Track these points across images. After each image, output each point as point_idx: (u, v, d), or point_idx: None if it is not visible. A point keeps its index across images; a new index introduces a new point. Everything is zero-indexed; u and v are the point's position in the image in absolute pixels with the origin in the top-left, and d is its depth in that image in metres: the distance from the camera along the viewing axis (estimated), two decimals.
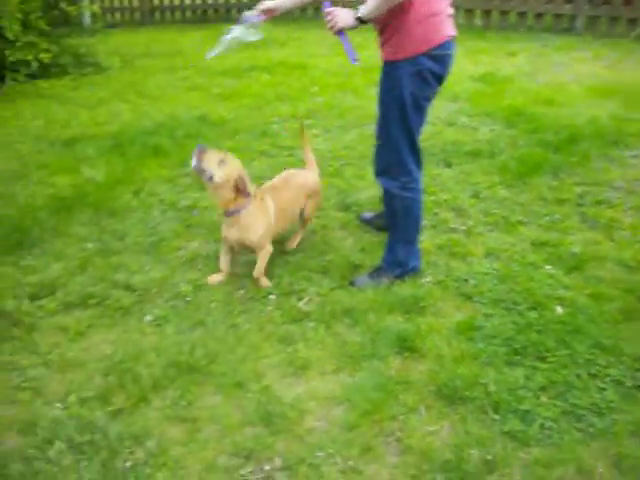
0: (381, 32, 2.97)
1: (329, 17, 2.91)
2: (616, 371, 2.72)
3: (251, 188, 3.24)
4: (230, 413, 2.55)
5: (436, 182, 4.26)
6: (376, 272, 3.29)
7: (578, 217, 3.89)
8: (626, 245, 3.59)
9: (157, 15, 11.34)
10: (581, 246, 3.56)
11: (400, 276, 3.25)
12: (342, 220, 3.90)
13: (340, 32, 2.94)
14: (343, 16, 2.90)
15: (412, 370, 2.73)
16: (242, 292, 3.29)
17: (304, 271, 3.38)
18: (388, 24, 2.88)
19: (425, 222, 3.79)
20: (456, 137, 4.90)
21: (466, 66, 6.77)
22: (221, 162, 3.11)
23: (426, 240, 3.63)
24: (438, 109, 5.47)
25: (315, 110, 5.61)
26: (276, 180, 3.57)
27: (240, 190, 3.16)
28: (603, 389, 2.64)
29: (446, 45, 2.91)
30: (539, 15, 8.69)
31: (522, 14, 8.72)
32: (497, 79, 6.28)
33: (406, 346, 2.84)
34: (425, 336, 2.88)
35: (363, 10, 2.84)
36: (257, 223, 3.27)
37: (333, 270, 3.38)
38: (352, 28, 2.92)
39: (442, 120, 5.27)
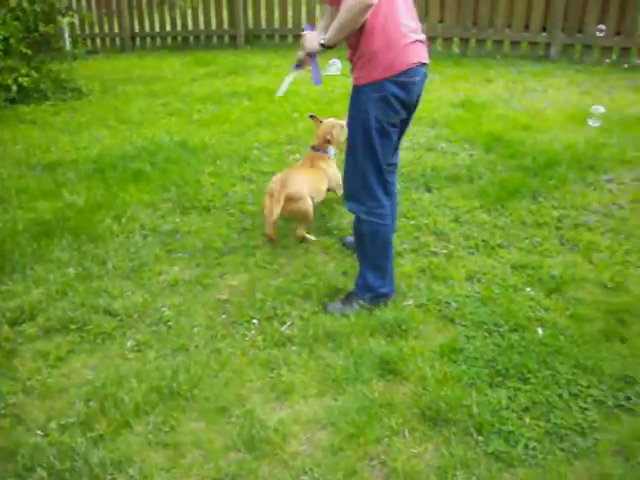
0: (350, 57, 3.02)
1: (302, 40, 3.12)
2: (597, 391, 2.75)
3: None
4: (213, 438, 2.53)
5: (416, 206, 4.30)
6: (348, 297, 3.29)
7: (557, 240, 3.94)
8: (604, 267, 3.64)
9: (137, 42, 11.39)
10: (561, 268, 3.61)
11: (371, 301, 3.25)
12: (324, 244, 3.91)
13: (311, 55, 3.12)
14: (310, 41, 3.07)
15: (395, 393, 2.74)
16: (224, 317, 3.28)
17: (287, 295, 3.38)
18: (355, 49, 2.95)
19: (406, 246, 3.84)
20: (436, 162, 4.95)
21: (445, 92, 6.87)
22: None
23: (407, 264, 3.66)
24: (418, 135, 5.55)
25: (296, 136, 5.64)
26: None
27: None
28: (585, 409, 2.66)
29: (412, 72, 2.94)
30: (515, 43, 8.86)
31: (498, 42, 8.89)
32: (475, 105, 6.37)
33: (389, 369, 2.84)
34: (408, 359, 2.89)
35: (326, 36, 2.98)
36: None
37: (315, 294, 3.38)
38: (318, 53, 3.09)
39: (422, 146, 5.33)
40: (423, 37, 3.05)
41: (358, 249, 3.31)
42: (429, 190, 4.56)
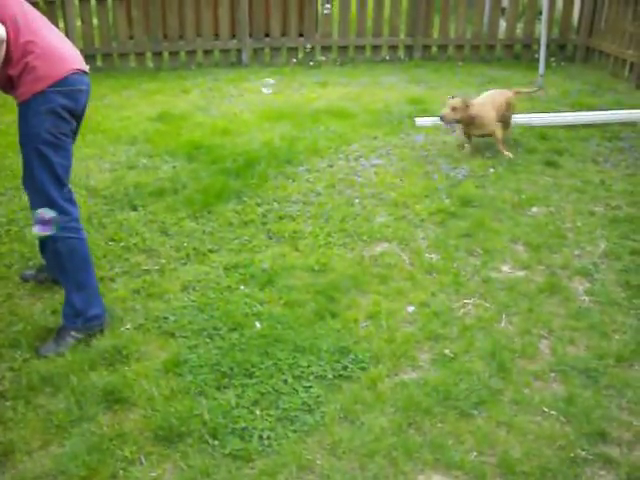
0: (9, 84, 2.96)
1: None
2: (317, 368, 2.94)
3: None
4: None
5: (123, 227, 4.19)
6: (59, 333, 3.14)
7: (264, 235, 4.12)
8: (310, 252, 3.90)
9: None
10: (270, 261, 3.78)
11: (83, 328, 3.13)
12: (29, 286, 3.64)
13: None
14: None
15: (125, 421, 2.66)
16: None
17: None
18: (9, 74, 2.91)
19: (117, 270, 3.74)
20: (138, 179, 4.87)
21: (142, 108, 6.80)
22: (452, 109, 5.15)
23: (120, 287, 3.56)
24: (117, 154, 5.42)
25: None
26: None
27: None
28: (309, 387, 2.84)
29: (75, 80, 3.00)
30: (207, 52, 9.07)
31: (191, 52, 9.03)
32: (174, 117, 6.39)
33: (114, 399, 2.75)
34: (132, 384, 2.83)
35: None
36: None
37: (24, 340, 3.12)
38: None
39: (122, 164, 5.20)
40: (76, 49, 3.15)
41: (58, 273, 3.23)
42: (135, 208, 4.46)
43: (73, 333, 3.11)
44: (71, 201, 3.13)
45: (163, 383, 2.83)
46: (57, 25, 7.87)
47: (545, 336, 3.22)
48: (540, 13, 8.05)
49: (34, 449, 2.56)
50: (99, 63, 8.68)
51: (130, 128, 6.01)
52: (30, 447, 2.56)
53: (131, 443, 2.55)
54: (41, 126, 2.93)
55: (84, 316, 3.12)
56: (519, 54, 9.22)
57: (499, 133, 5.38)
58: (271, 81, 5.56)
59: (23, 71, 2.89)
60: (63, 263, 3.12)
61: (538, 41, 8.02)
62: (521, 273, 3.75)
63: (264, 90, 6.01)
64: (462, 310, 3.41)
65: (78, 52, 3.15)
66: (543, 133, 5.85)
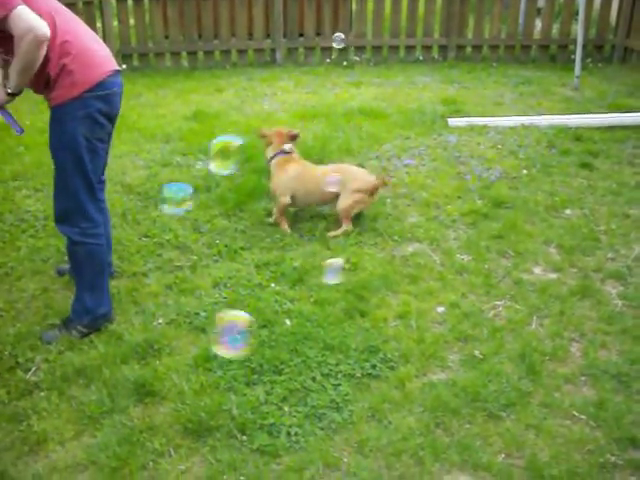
0: (44, 85, 2.95)
1: None
2: (346, 366, 2.96)
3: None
4: None
5: (157, 224, 4.26)
6: (66, 325, 3.20)
7: (296, 234, 4.14)
8: (341, 250, 3.91)
9: None
10: (301, 259, 3.80)
11: (90, 324, 3.18)
12: (64, 280, 3.70)
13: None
14: None
15: (155, 414, 2.71)
16: None
17: (28, 340, 3.16)
18: (45, 73, 2.89)
19: (150, 265, 3.80)
20: (172, 177, 4.93)
21: (177, 107, 6.87)
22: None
23: (153, 283, 3.62)
24: (152, 152, 5.50)
25: (23, 171, 5.27)
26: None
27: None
28: (337, 385, 2.85)
29: (110, 83, 3.01)
30: (242, 51, 9.14)
31: (226, 52, 9.11)
32: (208, 116, 6.45)
33: (145, 392, 2.80)
34: (163, 378, 2.88)
35: (10, 84, 2.87)
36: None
37: None
38: (7, 102, 2.96)
39: (157, 162, 5.28)
40: (106, 47, 3.17)
41: (74, 272, 3.28)
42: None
43: (79, 327, 3.17)
44: (100, 209, 3.19)
45: (193, 378, 2.87)
46: (95, 25, 8.02)
47: (576, 339, 3.18)
48: (577, 13, 7.92)
49: (66, 439, 2.62)
50: (135, 62, 8.80)
51: (165, 126, 6.09)
52: (63, 437, 2.63)
53: (161, 436, 2.60)
54: (77, 131, 2.94)
55: (93, 314, 3.18)
56: (555, 55, 9.11)
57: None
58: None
59: (61, 72, 2.90)
60: (80, 266, 3.19)
61: (574, 41, 7.93)
62: (553, 275, 3.72)
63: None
64: (492, 311, 3.39)
65: (108, 50, 3.16)
66: (578, 134, 5.78)
